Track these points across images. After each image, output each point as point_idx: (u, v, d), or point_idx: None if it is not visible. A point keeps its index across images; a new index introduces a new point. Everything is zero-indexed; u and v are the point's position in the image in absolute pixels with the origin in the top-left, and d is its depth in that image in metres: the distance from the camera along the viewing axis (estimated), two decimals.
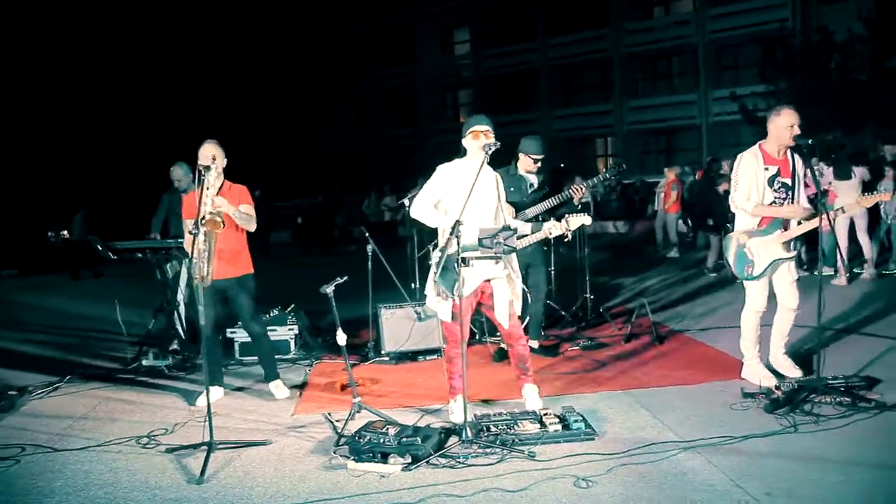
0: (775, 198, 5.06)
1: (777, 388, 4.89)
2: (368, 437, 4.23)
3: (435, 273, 4.53)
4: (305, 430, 4.83)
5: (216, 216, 4.92)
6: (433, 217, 4.70)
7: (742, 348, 5.34)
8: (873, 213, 9.44)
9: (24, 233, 18.27)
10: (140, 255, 6.99)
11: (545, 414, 4.50)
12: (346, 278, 4.76)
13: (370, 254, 6.66)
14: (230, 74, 31.17)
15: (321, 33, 31.28)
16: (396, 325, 6.53)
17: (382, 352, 6.52)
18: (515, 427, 4.40)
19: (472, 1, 28.79)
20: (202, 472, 4.09)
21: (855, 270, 9.36)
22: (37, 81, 21.17)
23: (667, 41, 25.64)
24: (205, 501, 3.81)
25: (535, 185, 6.26)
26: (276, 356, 6.62)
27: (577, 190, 6.06)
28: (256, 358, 6.68)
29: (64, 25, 21.99)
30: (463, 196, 4.60)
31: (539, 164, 6.25)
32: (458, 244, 4.29)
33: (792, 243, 5.06)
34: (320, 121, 32.84)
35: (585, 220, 4.87)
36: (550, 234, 4.80)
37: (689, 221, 13.32)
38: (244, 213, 5.27)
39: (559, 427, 4.37)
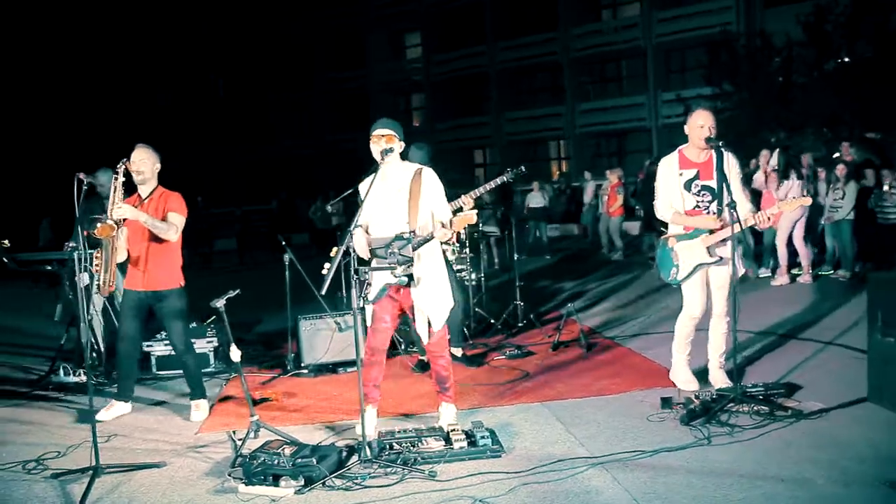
0: (697, 202, 4.95)
1: (696, 397, 4.79)
2: (263, 459, 3.99)
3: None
4: (205, 450, 4.58)
5: (109, 222, 4.69)
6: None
7: (672, 349, 5.23)
8: (811, 221, 9.49)
9: None
10: (49, 266, 6.67)
11: (452, 430, 4.31)
12: (238, 291, 4.51)
13: (287, 263, 6.41)
14: (180, 78, 30.59)
15: (271, 37, 30.81)
16: (316, 337, 6.31)
17: (301, 364, 6.28)
18: (420, 445, 4.20)
19: (422, 5, 28.63)
20: (83, 500, 3.82)
21: (793, 272, 9.40)
22: None
23: (615, 44, 25.79)
24: None
25: None
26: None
27: (466, 200, 5.93)
28: (174, 372, 6.45)
29: (12, 33, 21.35)
30: (375, 204, 4.44)
31: None
32: (352, 253, 4.08)
33: (716, 249, 4.92)
34: (271, 125, 32.31)
35: (469, 218, 4.36)
36: (436, 237, 4.47)
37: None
38: (157, 223, 4.94)
39: (465, 444, 4.19)
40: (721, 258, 4.86)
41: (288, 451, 4.05)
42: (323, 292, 4.04)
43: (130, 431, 5.03)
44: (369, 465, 4.01)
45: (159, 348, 6.53)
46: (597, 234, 14.72)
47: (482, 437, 4.23)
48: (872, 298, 4.74)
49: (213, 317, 7.02)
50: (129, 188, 5.03)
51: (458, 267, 7.38)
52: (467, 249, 7.43)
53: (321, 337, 6.28)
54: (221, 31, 30.03)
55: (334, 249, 4.14)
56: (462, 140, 29.92)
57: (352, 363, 6.26)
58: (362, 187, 4.54)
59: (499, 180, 6.23)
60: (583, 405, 5.04)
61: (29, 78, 21.65)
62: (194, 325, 6.75)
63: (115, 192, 4.78)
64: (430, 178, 4.55)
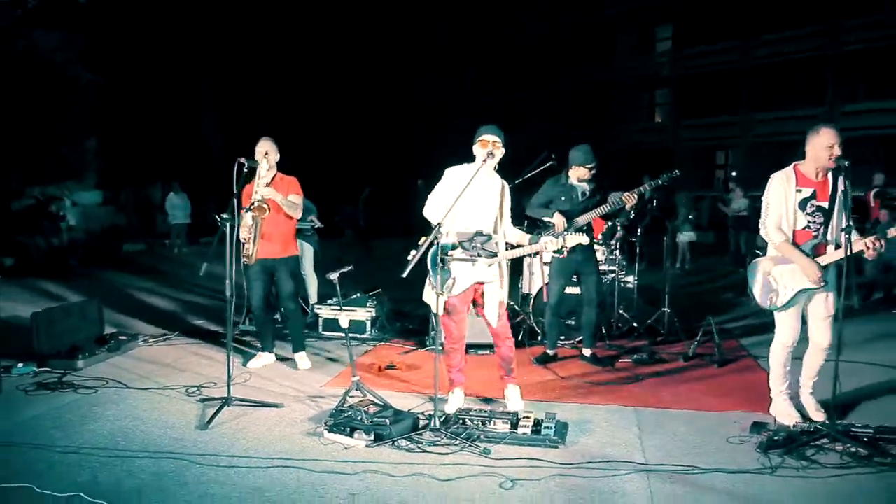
0: (809, 222, 4.65)
1: (793, 427, 4.56)
2: (349, 413, 4.63)
3: (429, 271, 4.81)
4: (320, 400, 5.34)
5: (263, 203, 5.64)
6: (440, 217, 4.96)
7: (770, 383, 4.98)
8: None
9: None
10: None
11: (524, 416, 4.60)
12: (351, 267, 5.18)
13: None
14: (435, 73, 32.73)
15: (521, 31, 31.63)
16: None
17: (438, 342, 6.83)
18: (488, 424, 4.55)
19: None
20: (209, 421, 4.76)
21: None
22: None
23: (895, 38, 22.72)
24: (195, 444, 4.45)
25: (588, 194, 6.20)
26: (354, 335, 7.29)
27: (628, 197, 5.96)
28: (336, 334, 7.38)
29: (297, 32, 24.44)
30: (462, 197, 4.83)
31: (594, 171, 6.17)
32: (438, 245, 4.51)
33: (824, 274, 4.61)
34: (516, 119, 33.27)
35: (583, 239, 4.87)
36: (546, 248, 4.83)
37: None
38: (291, 202, 5.90)
39: (528, 431, 4.46)
40: (826, 283, 4.54)
41: (372, 410, 4.65)
42: (404, 276, 4.51)
43: (273, 376, 5.99)
44: (438, 435, 4.47)
45: (326, 311, 7.50)
46: None
47: (546, 428, 4.46)
48: None
49: (378, 290, 7.89)
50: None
51: (609, 268, 7.46)
52: (617, 252, 7.47)
53: None
54: (474, 27, 31.50)
55: (422, 238, 4.59)
56: (704, 139, 28.44)
57: (481, 346, 6.70)
58: (456, 179, 4.92)
59: (652, 183, 6.20)
60: (674, 416, 4.99)
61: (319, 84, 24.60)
62: (357, 295, 7.65)
63: (259, 178, 5.72)
64: (509, 193, 5.08)
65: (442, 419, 4.61)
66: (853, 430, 4.40)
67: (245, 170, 5.27)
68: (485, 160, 4.79)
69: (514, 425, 4.52)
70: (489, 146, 4.85)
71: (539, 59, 31.71)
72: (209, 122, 22.81)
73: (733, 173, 23.54)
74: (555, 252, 5.20)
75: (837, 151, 4.51)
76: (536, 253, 4.91)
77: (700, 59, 27.96)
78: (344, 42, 26.26)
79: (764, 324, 8.25)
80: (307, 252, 8.11)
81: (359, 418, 4.54)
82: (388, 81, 29.21)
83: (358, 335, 7.37)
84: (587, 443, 4.49)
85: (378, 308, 7.58)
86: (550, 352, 6.47)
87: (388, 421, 4.50)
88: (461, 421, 4.61)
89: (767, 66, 25.99)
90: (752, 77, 26.54)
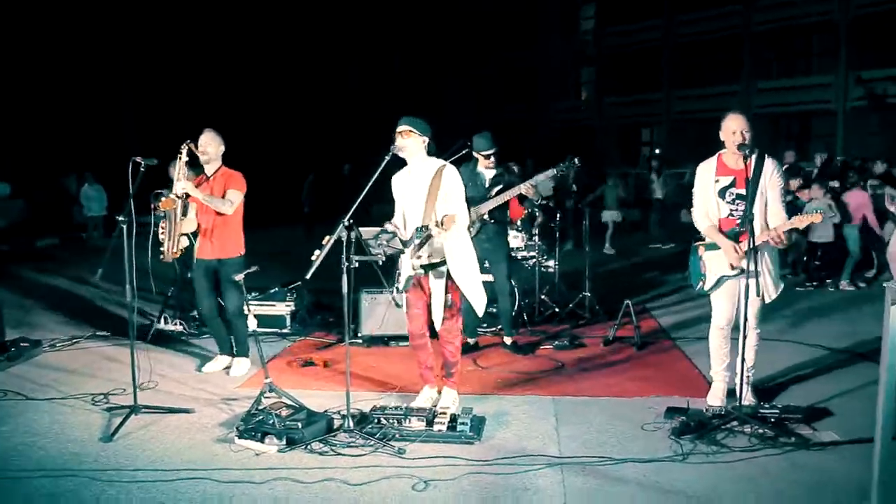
0: (731, 210, 4.71)
1: (706, 411, 4.65)
2: (261, 417, 4.49)
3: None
4: (234, 404, 5.16)
5: (171, 196, 5.38)
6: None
7: (711, 369, 5.04)
8: None
9: None
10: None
11: (441, 413, 4.54)
12: (256, 268, 5.01)
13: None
14: (362, 58, 32.16)
15: (449, 13, 31.38)
16: (375, 310, 6.72)
17: (359, 335, 6.74)
18: (404, 423, 4.48)
19: None
20: (114, 432, 4.54)
21: None
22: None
23: (806, 17, 23.48)
24: (97, 458, 4.23)
25: (492, 181, 6.19)
26: (273, 329, 7.11)
27: (527, 189, 5.97)
28: (261, 330, 7.14)
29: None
30: (404, 198, 4.81)
31: (491, 158, 6.16)
32: (344, 241, 4.38)
33: (746, 260, 4.67)
34: (442, 101, 33.05)
35: (451, 219, 4.57)
36: (433, 235, 4.65)
37: None
38: (213, 199, 5.54)
39: (444, 428, 4.41)
40: (743, 271, 4.61)
41: (284, 412, 4.52)
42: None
43: (186, 379, 5.77)
44: (352, 436, 4.37)
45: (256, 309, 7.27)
46: None
47: (462, 424, 4.41)
48: None
49: (297, 283, 7.69)
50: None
51: (529, 254, 7.47)
52: (537, 237, 7.48)
53: (379, 311, 6.68)
54: (400, 9, 31.06)
55: (326, 238, 4.45)
56: (629, 117, 28.95)
57: (403, 338, 6.61)
58: (394, 180, 4.85)
59: (550, 172, 6.23)
60: (591, 404, 5.03)
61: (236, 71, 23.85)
62: (276, 289, 7.44)
63: (179, 170, 5.45)
64: (450, 175, 4.73)
65: (356, 419, 4.52)
66: (761, 411, 4.52)
67: (141, 169, 4.98)
68: (393, 151, 4.67)
69: (430, 422, 4.46)
70: (398, 137, 4.73)
71: (466, 40, 31.54)
72: (127, 111, 21.89)
73: (657, 151, 24.05)
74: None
75: (739, 139, 4.54)
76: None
77: (623, 38, 28.37)
78: (273, 28, 25.52)
79: (684, 302, 8.50)
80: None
81: (270, 422, 4.40)
82: (319, 69, 28.53)
83: (278, 330, 7.19)
84: (504, 437, 4.47)
85: (297, 301, 7.40)
86: (471, 340, 6.44)
87: (300, 424, 4.38)
88: (376, 420, 4.52)
89: (688, 44, 26.60)
90: (673, 55, 27.09)
